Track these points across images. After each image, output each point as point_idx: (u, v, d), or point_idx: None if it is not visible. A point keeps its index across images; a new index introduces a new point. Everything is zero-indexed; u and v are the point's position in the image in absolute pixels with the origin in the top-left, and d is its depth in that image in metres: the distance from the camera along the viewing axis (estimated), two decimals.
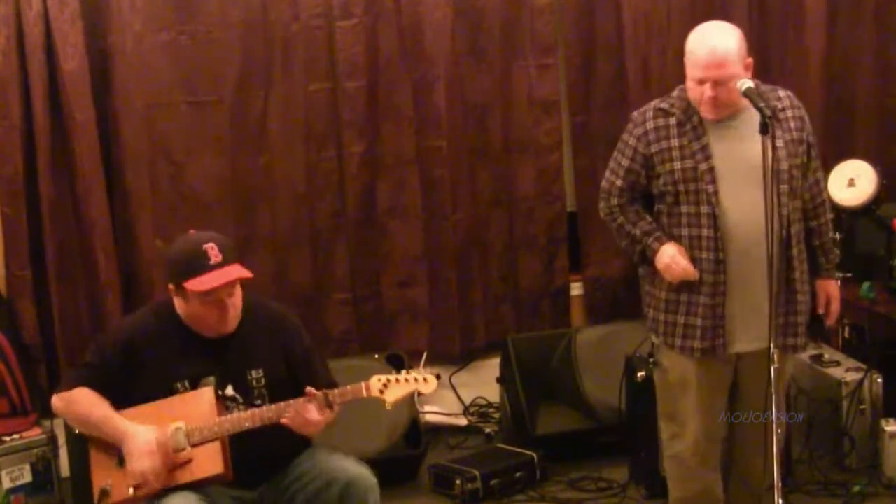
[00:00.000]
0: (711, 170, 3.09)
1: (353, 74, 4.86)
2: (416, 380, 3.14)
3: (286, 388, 3.13)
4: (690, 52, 3.14)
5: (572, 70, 5.13)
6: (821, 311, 3.31)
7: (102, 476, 3.10)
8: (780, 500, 2.81)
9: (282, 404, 3.07)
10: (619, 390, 4.41)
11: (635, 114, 3.28)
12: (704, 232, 3.11)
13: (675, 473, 3.41)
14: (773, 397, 2.83)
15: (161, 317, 3.19)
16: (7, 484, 4.19)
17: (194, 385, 3.13)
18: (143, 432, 3.03)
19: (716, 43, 3.09)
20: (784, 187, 3.06)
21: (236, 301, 3.15)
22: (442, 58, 4.92)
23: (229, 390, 3.16)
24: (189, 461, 3.04)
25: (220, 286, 3.07)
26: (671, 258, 3.12)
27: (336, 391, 3.11)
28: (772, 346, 2.88)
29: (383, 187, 4.98)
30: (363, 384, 3.11)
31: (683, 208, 3.16)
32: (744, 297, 3.11)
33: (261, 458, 3.15)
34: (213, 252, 3.07)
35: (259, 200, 4.89)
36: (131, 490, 3.03)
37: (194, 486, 3.04)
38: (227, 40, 4.74)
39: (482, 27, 5.00)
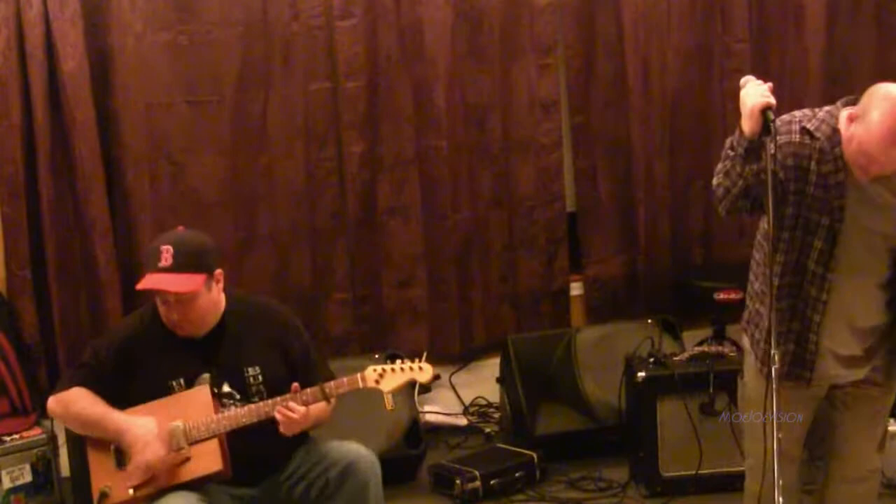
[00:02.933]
0: (842, 209, 2.88)
1: (353, 74, 4.86)
2: (411, 368, 3.12)
3: (284, 385, 3.12)
4: (882, 123, 2.75)
5: (572, 70, 5.14)
6: None
7: (101, 478, 3.10)
8: (781, 500, 2.80)
9: (278, 399, 3.07)
10: (619, 390, 4.42)
11: (777, 122, 2.91)
12: (812, 266, 2.93)
13: (748, 486, 3.30)
14: (774, 397, 2.82)
15: (154, 317, 3.20)
16: (7, 484, 4.18)
17: (189, 383, 3.14)
18: (142, 424, 3.04)
19: None
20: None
21: (187, 309, 3.11)
22: (442, 58, 4.92)
23: (225, 388, 3.16)
24: (188, 459, 3.04)
25: (144, 288, 3.09)
26: (741, 96, 2.84)
27: (332, 383, 3.11)
28: (773, 346, 2.86)
29: (383, 187, 4.98)
30: (359, 375, 3.10)
31: (797, 234, 2.94)
32: (841, 332, 2.99)
33: (260, 456, 3.15)
34: (166, 255, 3.08)
35: (259, 200, 4.89)
36: (131, 491, 3.04)
37: (193, 485, 3.04)
38: (227, 40, 4.74)
39: (482, 27, 5.00)
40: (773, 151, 2.80)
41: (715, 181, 2.97)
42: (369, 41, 4.87)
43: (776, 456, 2.82)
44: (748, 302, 3.18)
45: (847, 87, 5.18)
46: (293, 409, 3.04)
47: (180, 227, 3.31)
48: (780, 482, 2.80)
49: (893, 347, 3.06)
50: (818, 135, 2.89)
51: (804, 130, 2.91)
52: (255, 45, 4.78)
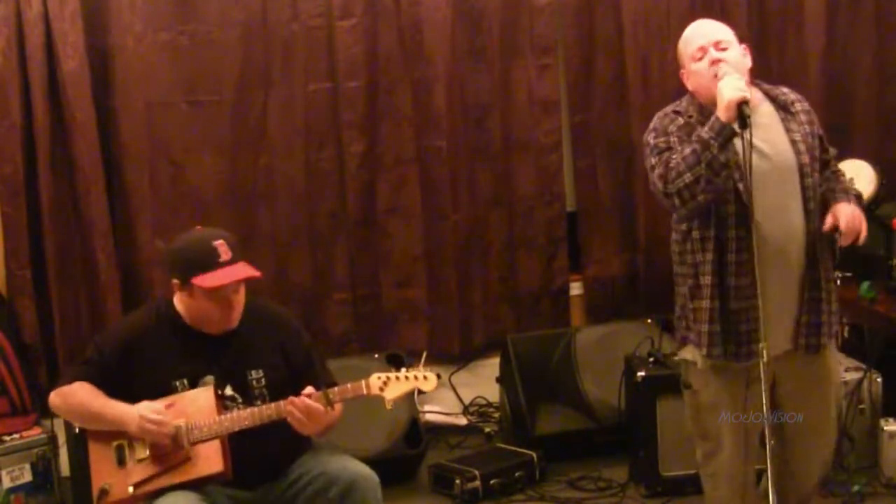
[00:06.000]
0: (738, 166, 2.93)
1: (353, 74, 4.87)
2: (416, 377, 3.12)
3: (287, 388, 3.12)
4: (683, 39, 3.14)
5: (572, 70, 5.14)
6: (826, 229, 2.98)
7: (102, 475, 3.10)
8: (778, 500, 2.80)
9: (281, 402, 3.07)
10: (619, 390, 4.42)
11: (656, 118, 3.15)
12: (732, 233, 2.97)
13: (711, 494, 3.32)
14: (765, 395, 2.80)
15: (160, 315, 3.20)
16: (7, 483, 4.19)
17: (193, 384, 3.14)
18: (138, 405, 3.04)
19: (703, 19, 3.18)
20: (809, 181, 2.99)
21: (241, 298, 3.19)
22: (442, 58, 4.92)
23: (228, 390, 3.16)
24: (188, 459, 3.04)
25: (228, 283, 3.10)
26: (719, 87, 2.91)
27: (336, 389, 3.10)
28: (763, 346, 2.84)
29: (383, 187, 4.99)
30: (363, 382, 3.10)
31: (711, 206, 2.99)
32: (772, 299, 2.95)
33: (261, 459, 3.15)
34: (223, 249, 3.12)
35: (259, 200, 4.90)
36: (131, 489, 3.04)
37: (194, 485, 3.04)
38: (227, 40, 4.75)
39: (482, 27, 5.00)
40: (750, 145, 2.84)
41: (689, 176, 2.91)
42: (369, 41, 4.88)
43: (770, 455, 2.82)
44: (679, 311, 3.18)
45: (847, 86, 5.20)
46: (310, 404, 3.03)
47: (199, 227, 3.34)
48: (774, 484, 2.81)
49: (810, 319, 3.04)
50: (690, 112, 3.07)
51: (674, 113, 3.11)
52: (255, 46, 4.79)
